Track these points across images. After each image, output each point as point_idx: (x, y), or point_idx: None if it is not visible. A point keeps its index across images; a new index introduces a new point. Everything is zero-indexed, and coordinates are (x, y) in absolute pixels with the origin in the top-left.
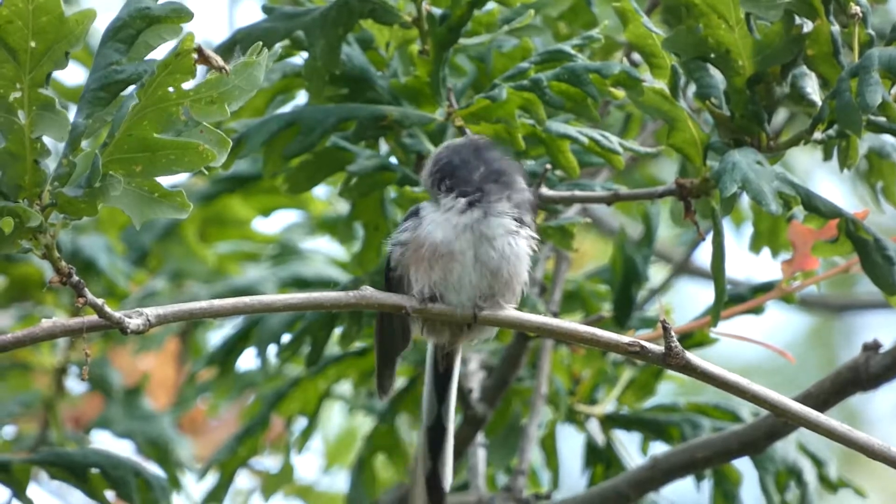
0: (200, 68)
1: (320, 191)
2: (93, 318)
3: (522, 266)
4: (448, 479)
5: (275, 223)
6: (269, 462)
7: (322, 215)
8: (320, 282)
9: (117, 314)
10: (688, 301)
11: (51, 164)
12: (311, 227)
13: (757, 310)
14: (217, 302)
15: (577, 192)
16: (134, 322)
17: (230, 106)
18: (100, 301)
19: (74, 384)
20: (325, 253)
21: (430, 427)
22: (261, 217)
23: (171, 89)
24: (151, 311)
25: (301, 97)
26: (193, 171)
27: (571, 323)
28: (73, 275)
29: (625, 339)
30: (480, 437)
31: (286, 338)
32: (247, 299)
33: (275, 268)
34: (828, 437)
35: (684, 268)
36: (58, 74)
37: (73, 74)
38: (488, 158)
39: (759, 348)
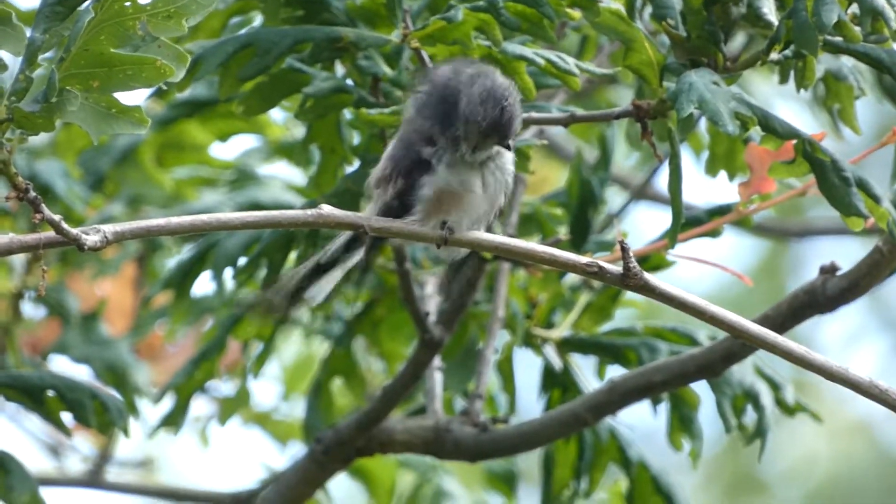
0: None
1: (277, 115)
2: (50, 234)
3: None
4: (315, 300)
5: (232, 148)
6: (226, 388)
7: (279, 140)
8: (277, 207)
9: (74, 230)
10: (645, 227)
11: (7, 80)
12: (268, 153)
13: (714, 233)
14: (175, 219)
15: (534, 114)
16: (91, 238)
17: (188, 21)
18: (57, 217)
19: (31, 310)
20: (282, 178)
21: (322, 262)
22: (218, 142)
23: (127, 3)
24: (109, 228)
25: (256, 19)
26: (152, 86)
27: (530, 243)
28: (30, 190)
29: (583, 259)
30: (437, 361)
31: (242, 261)
32: (204, 217)
33: (232, 193)
34: (785, 358)
35: (642, 193)
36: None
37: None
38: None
39: (710, 281)
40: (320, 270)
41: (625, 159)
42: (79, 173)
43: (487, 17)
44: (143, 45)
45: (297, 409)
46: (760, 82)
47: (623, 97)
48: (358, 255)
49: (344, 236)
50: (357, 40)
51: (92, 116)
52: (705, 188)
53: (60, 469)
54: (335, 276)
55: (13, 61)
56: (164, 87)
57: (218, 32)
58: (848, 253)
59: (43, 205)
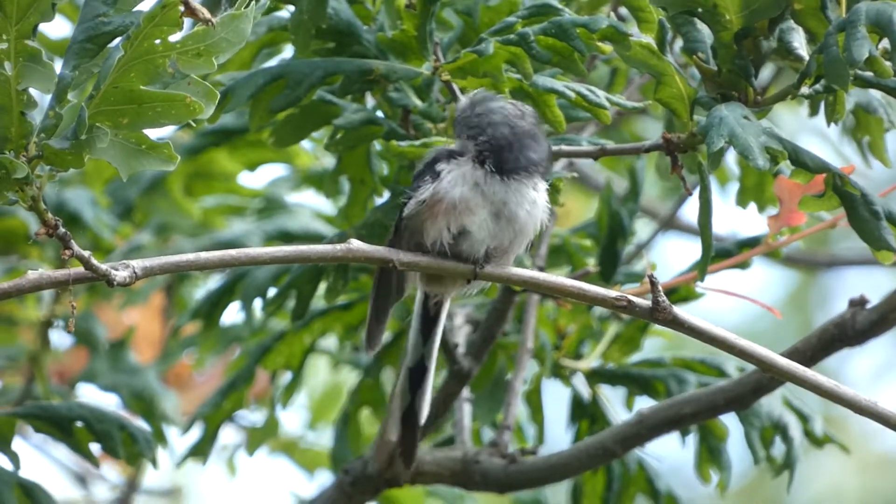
0: (188, 21)
1: (306, 145)
2: (79, 270)
3: (536, 223)
4: (424, 414)
5: (260, 177)
6: (254, 417)
7: (308, 169)
8: (306, 236)
9: (104, 266)
10: (674, 257)
11: (37, 116)
12: (296, 181)
13: (743, 265)
14: (204, 254)
15: (564, 147)
16: (120, 274)
17: (217, 59)
18: (86, 253)
19: (60, 338)
20: (310, 207)
21: (412, 367)
22: (246, 171)
23: (157, 41)
24: (138, 264)
25: (287, 51)
26: (181, 123)
27: (559, 277)
28: (59, 227)
29: (612, 293)
30: (466, 392)
31: (271, 292)
32: (233, 252)
33: (260, 222)
34: (814, 392)
35: (671, 223)
36: (43, 27)
37: (59, 28)
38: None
39: (740, 313)
40: (414, 376)
41: (652, 188)
42: (107, 202)
43: (518, 50)
44: (172, 82)
45: (323, 438)
46: (785, 114)
47: (651, 128)
48: (437, 343)
49: (415, 328)
50: (388, 73)
51: (121, 153)
52: (731, 218)
53: (88, 498)
54: (430, 377)
55: (43, 98)
56: (193, 124)
57: (249, 63)
58: (876, 284)
59: (72, 241)
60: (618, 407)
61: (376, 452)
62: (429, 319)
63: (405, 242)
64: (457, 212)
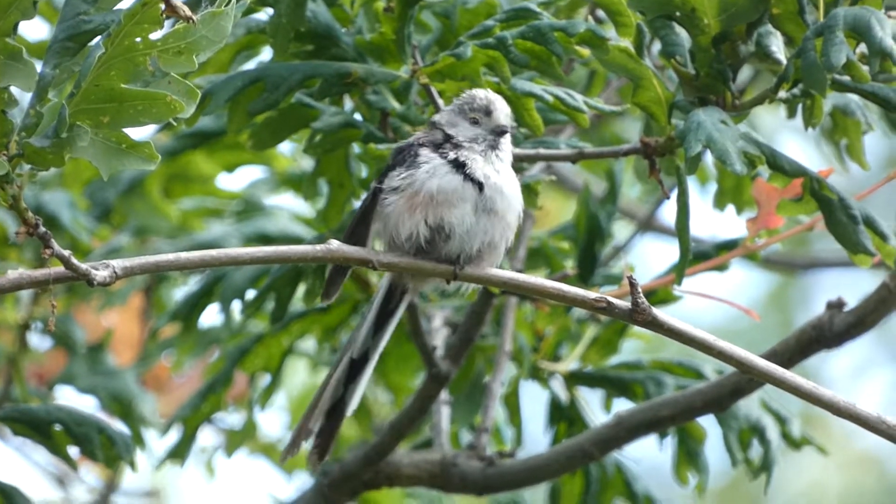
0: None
1: (285, 147)
2: (59, 269)
3: (515, 221)
4: (352, 409)
5: (239, 179)
6: (232, 419)
7: (286, 171)
8: (284, 238)
9: (84, 266)
10: (652, 259)
11: (18, 115)
12: (275, 184)
13: (721, 267)
14: (184, 254)
15: (542, 150)
16: (101, 274)
17: (198, 57)
18: (66, 252)
19: (38, 340)
20: (289, 209)
21: (355, 358)
22: (225, 173)
23: (138, 39)
24: (118, 263)
25: (266, 54)
26: (162, 121)
27: (539, 278)
28: (39, 226)
29: (591, 294)
30: (444, 395)
31: (250, 294)
32: (213, 252)
33: (239, 224)
34: (793, 393)
35: (649, 225)
36: (22, 30)
37: (38, 30)
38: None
39: (719, 313)
40: (354, 368)
41: (630, 188)
42: (86, 204)
43: (496, 53)
44: (153, 81)
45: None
46: (766, 115)
47: (630, 129)
48: (386, 338)
49: (370, 319)
50: (366, 76)
51: (102, 152)
52: (710, 218)
53: (67, 499)
54: (368, 372)
55: (23, 96)
56: (174, 123)
57: (227, 66)
58: (856, 283)
59: (53, 240)
60: (596, 409)
61: (291, 440)
62: (386, 312)
63: (379, 233)
64: (435, 203)
